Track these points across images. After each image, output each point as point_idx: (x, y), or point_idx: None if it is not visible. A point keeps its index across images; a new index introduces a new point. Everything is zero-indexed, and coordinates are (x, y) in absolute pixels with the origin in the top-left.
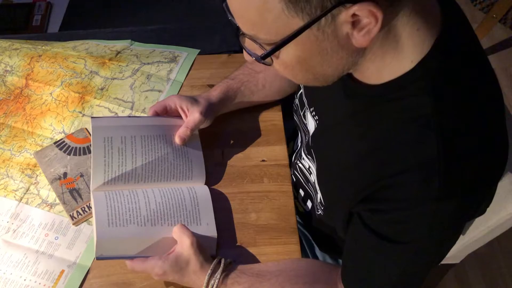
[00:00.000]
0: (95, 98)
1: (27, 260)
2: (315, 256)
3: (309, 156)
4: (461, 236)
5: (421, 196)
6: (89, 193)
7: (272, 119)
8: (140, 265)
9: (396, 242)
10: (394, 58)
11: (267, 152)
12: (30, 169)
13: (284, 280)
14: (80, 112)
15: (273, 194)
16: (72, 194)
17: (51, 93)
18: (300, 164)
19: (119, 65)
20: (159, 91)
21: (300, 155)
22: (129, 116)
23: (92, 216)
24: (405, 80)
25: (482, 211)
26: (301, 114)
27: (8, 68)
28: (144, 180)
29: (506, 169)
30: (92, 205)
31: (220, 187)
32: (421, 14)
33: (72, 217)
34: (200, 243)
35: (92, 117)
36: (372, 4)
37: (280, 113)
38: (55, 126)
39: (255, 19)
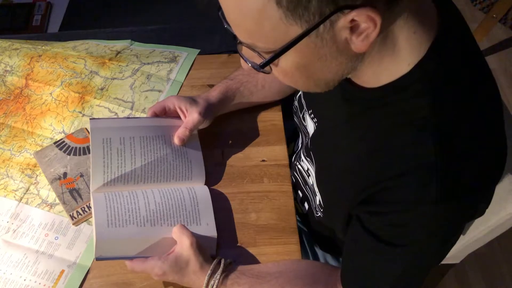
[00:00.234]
0: (95, 98)
1: (27, 260)
2: (315, 254)
3: (308, 158)
4: (461, 236)
5: (420, 199)
6: (89, 193)
7: (272, 119)
8: (139, 265)
9: (395, 244)
10: (391, 61)
11: (267, 152)
12: (30, 169)
13: (284, 281)
14: (80, 112)
15: (273, 194)
16: (72, 194)
17: (51, 93)
18: (299, 166)
19: (119, 65)
20: (159, 91)
21: (300, 157)
22: (128, 117)
23: (92, 216)
24: (402, 83)
25: (481, 212)
26: (301, 116)
27: (8, 68)
28: (144, 180)
29: (506, 170)
30: (92, 206)
31: (220, 187)
32: (418, 16)
33: (72, 217)
34: (200, 243)
35: (90, 119)
36: (371, 10)
37: (280, 113)
38: (55, 126)
39: (252, 28)
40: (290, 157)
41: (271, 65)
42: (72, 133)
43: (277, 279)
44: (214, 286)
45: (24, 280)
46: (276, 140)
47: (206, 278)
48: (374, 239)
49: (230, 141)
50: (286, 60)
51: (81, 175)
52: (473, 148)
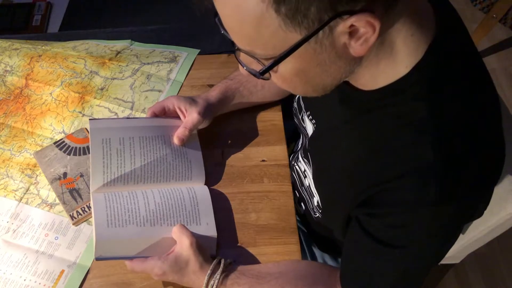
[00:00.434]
0: (95, 98)
1: (27, 260)
2: (313, 254)
3: (305, 159)
4: (461, 236)
5: (419, 201)
6: (89, 193)
7: (272, 119)
8: (139, 265)
9: (395, 245)
10: (389, 64)
11: (267, 152)
12: (30, 169)
13: (284, 282)
14: (80, 112)
15: (273, 194)
16: (72, 194)
17: (51, 93)
18: (296, 166)
19: (119, 65)
20: (159, 91)
21: (297, 157)
22: (127, 118)
23: (92, 217)
24: (400, 85)
25: (480, 213)
26: (300, 117)
27: (8, 68)
28: (144, 181)
29: (506, 170)
30: (92, 206)
31: (220, 187)
32: (415, 19)
33: (72, 217)
34: (199, 243)
35: (90, 119)
36: (370, 15)
37: (280, 113)
38: (55, 126)
39: (251, 35)
40: (289, 157)
41: (270, 71)
42: (72, 133)
43: (277, 279)
44: (214, 286)
45: (24, 280)
46: (276, 140)
47: (206, 278)
48: (373, 241)
49: (230, 141)
50: (285, 66)
51: (81, 175)
52: (472, 149)
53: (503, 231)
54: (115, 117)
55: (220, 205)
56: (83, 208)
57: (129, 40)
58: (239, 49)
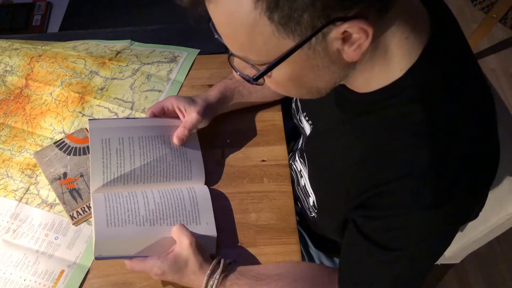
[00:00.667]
0: (95, 98)
1: (27, 260)
2: (309, 254)
3: (301, 159)
4: (461, 236)
5: (413, 204)
6: (89, 193)
7: (272, 119)
8: (139, 265)
9: (391, 248)
10: (383, 67)
11: (267, 152)
12: (30, 169)
13: (283, 284)
14: (80, 112)
15: (273, 194)
16: (72, 194)
17: (51, 93)
18: (293, 165)
19: (119, 65)
20: (159, 91)
21: (295, 157)
22: (127, 118)
23: (92, 216)
24: (394, 88)
25: (475, 216)
26: (298, 118)
27: (8, 68)
28: (143, 181)
29: (505, 171)
30: (91, 206)
31: (220, 187)
32: (409, 21)
33: (72, 217)
34: (199, 243)
35: (89, 119)
36: (363, 21)
37: (280, 113)
38: (55, 126)
39: (244, 42)
40: (289, 155)
41: (264, 76)
42: (72, 133)
43: (277, 281)
44: (213, 286)
45: (24, 280)
46: (276, 140)
47: (205, 278)
48: (370, 243)
49: (230, 141)
50: (279, 72)
51: (81, 175)
52: (466, 154)
53: (503, 231)
54: (115, 117)
55: (220, 205)
56: (83, 208)
57: (129, 40)
58: (232, 55)
